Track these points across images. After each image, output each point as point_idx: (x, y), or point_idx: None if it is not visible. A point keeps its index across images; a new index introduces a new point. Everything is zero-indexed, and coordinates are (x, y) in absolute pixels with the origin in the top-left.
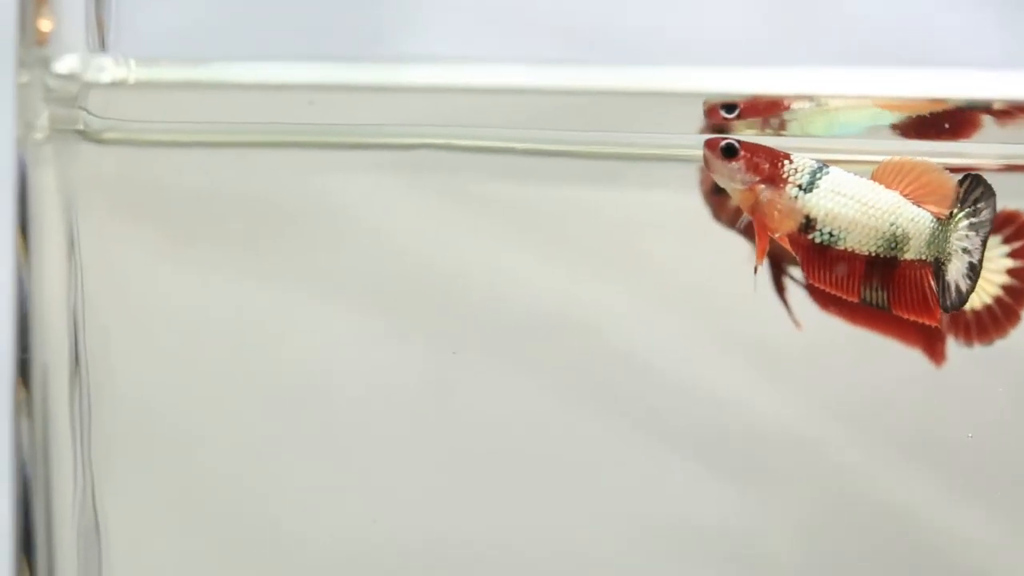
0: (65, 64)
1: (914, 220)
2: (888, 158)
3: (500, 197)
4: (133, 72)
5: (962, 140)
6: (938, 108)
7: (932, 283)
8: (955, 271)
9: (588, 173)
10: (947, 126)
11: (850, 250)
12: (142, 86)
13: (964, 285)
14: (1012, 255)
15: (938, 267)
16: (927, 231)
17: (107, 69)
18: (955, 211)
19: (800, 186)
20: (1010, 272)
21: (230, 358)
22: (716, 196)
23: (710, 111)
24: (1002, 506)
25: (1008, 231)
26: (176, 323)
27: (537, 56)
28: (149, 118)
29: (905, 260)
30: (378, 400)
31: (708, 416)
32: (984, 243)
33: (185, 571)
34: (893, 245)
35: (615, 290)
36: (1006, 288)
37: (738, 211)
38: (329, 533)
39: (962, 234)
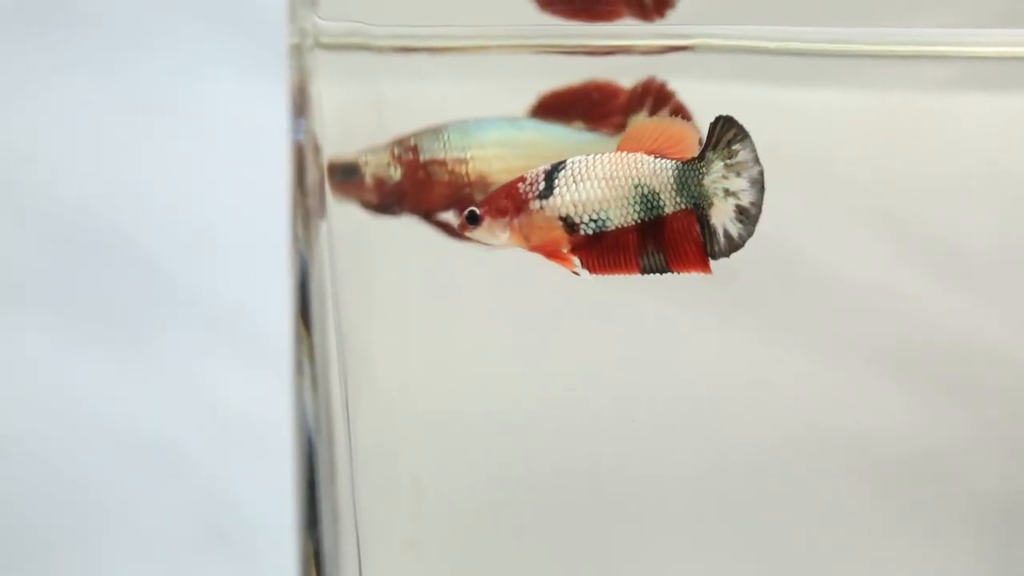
0: None
1: (656, 172)
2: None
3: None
4: None
5: (599, 22)
6: None
7: (698, 231)
8: (721, 214)
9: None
10: (586, 5)
11: (620, 227)
12: None
13: (735, 229)
14: None
15: (700, 213)
16: (672, 178)
17: None
18: (708, 154)
19: (539, 195)
20: None
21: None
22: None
23: None
24: None
25: (665, 113)
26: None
27: None
28: (408, 21)
29: (668, 216)
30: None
31: (890, 327)
32: (755, 184)
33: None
34: (650, 205)
35: (789, 194)
36: None
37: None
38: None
39: (718, 175)
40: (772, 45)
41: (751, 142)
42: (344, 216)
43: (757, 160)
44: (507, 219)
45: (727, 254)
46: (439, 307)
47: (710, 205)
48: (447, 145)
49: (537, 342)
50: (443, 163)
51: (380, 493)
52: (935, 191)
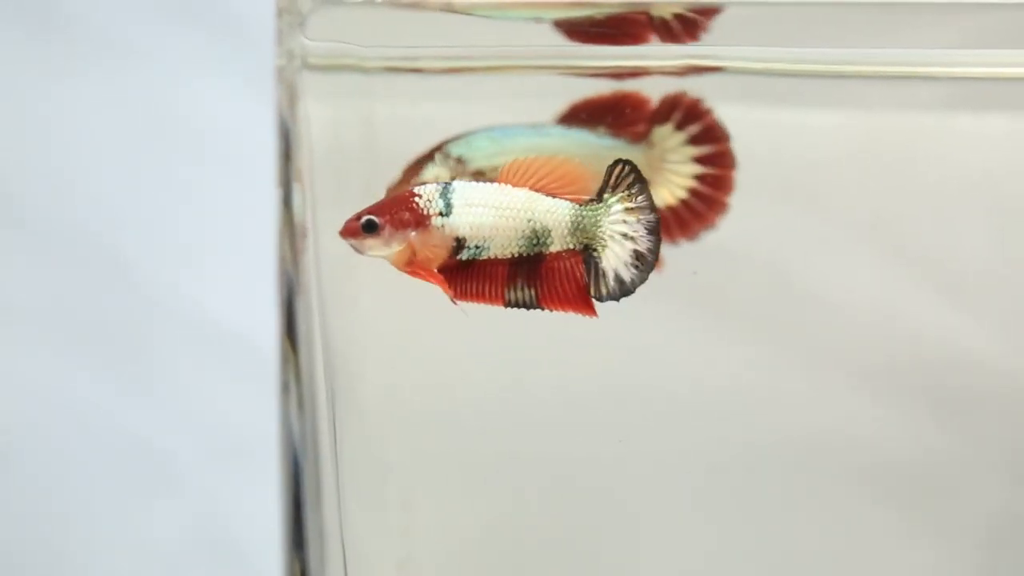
0: None
1: (551, 211)
2: (515, 159)
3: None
4: None
5: (629, 45)
6: (603, 12)
7: (583, 272)
8: (614, 258)
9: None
10: (613, 31)
11: (493, 257)
12: (390, 3)
13: (627, 274)
14: (698, 160)
15: (588, 255)
16: (568, 219)
17: None
18: (606, 196)
19: (441, 212)
20: (697, 178)
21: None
22: None
23: None
24: None
25: (694, 129)
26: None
27: None
28: (396, 41)
29: (551, 254)
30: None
31: (884, 341)
32: (652, 231)
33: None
34: (535, 241)
35: (783, 211)
36: (693, 192)
37: None
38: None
39: (617, 218)
40: (761, 67)
41: (648, 188)
42: (330, 235)
43: (654, 207)
44: (407, 232)
45: (616, 298)
46: (427, 325)
47: (604, 247)
48: (483, 154)
49: (528, 359)
50: (482, 173)
51: (368, 513)
52: (926, 209)
